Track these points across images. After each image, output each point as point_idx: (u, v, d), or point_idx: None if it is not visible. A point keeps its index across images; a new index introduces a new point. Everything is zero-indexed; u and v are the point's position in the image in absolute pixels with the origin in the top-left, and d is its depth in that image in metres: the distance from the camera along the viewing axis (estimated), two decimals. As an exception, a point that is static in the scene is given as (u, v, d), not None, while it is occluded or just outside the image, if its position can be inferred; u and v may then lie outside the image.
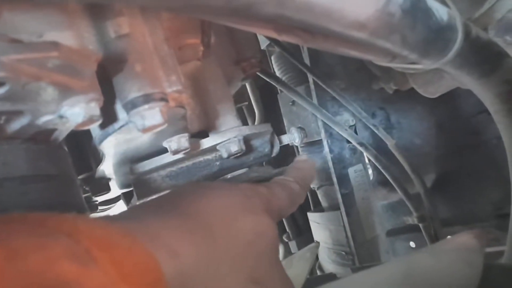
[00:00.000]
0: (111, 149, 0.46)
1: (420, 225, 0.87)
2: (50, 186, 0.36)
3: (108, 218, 0.28)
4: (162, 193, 0.36)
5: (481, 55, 0.42)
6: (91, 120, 0.34)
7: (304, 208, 1.08)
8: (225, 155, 0.55)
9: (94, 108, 0.34)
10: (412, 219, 0.88)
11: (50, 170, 0.36)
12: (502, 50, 0.44)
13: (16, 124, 0.33)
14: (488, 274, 0.34)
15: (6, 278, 0.17)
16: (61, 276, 0.18)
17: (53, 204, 0.37)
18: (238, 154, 0.56)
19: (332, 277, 0.70)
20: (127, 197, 0.63)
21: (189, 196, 0.32)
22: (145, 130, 0.36)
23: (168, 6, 0.24)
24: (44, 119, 0.34)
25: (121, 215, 0.29)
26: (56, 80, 0.30)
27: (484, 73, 0.44)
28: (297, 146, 1.06)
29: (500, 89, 0.45)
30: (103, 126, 0.39)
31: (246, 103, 0.98)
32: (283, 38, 0.33)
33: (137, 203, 0.31)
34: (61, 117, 0.34)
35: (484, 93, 0.47)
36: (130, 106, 0.35)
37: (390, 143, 0.86)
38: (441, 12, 0.37)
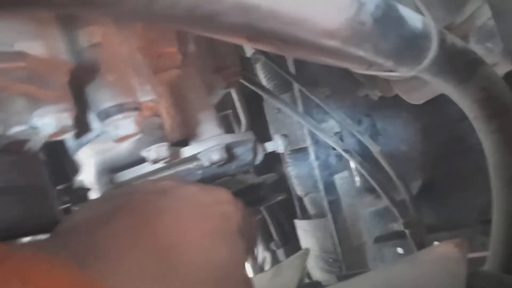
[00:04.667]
0: (88, 159, 0.45)
1: (407, 231, 0.87)
2: (22, 198, 0.35)
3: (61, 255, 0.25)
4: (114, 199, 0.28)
5: (457, 63, 0.42)
6: (63, 130, 0.33)
7: (291, 216, 1.08)
8: (206, 163, 0.55)
9: (66, 119, 0.33)
10: (398, 226, 0.88)
11: (23, 182, 0.36)
12: (478, 57, 0.45)
13: (-14, 135, 0.33)
14: (472, 282, 0.34)
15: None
16: None
17: (25, 217, 0.36)
18: (220, 163, 0.55)
19: (317, 285, 0.70)
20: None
21: (150, 212, 0.27)
22: (119, 140, 0.36)
23: (133, 17, 0.24)
24: (15, 130, 0.33)
25: (74, 246, 0.24)
26: (24, 90, 0.30)
27: (460, 80, 0.44)
28: (283, 154, 1.06)
29: (477, 96, 0.45)
30: (78, 136, 0.39)
31: (231, 110, 0.98)
32: (257, 46, 0.33)
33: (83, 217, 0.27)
34: (32, 128, 0.34)
35: (462, 100, 0.47)
36: (103, 115, 0.34)
37: (375, 149, 0.86)
38: (415, 20, 0.37)
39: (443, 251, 0.37)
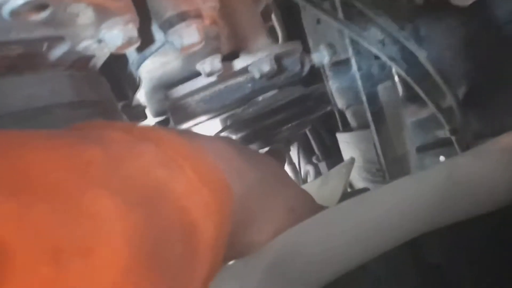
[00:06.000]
0: (147, 74, 0.46)
1: (452, 137, 0.86)
2: (96, 112, 0.37)
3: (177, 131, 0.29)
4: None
5: None
6: (129, 42, 0.34)
7: (332, 129, 1.09)
8: (257, 75, 0.55)
9: (132, 30, 0.33)
10: (444, 133, 0.87)
11: (94, 97, 0.37)
12: None
13: (58, 51, 0.33)
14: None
15: (111, 181, 0.18)
16: (156, 181, 0.20)
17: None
18: (270, 74, 0.55)
19: (365, 190, 0.72)
20: (162, 124, 0.64)
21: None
22: (183, 49, 0.36)
23: None
24: (84, 44, 0.34)
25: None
26: (93, 1, 0.30)
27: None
28: (323, 67, 1.04)
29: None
30: (140, 48, 0.39)
31: (271, 23, 0.95)
32: None
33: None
34: (99, 41, 0.34)
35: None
36: (167, 25, 0.34)
37: (421, 55, 0.83)
38: None
39: (507, 141, 0.35)
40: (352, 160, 0.82)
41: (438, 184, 0.31)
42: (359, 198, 0.32)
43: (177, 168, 0.22)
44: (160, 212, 0.20)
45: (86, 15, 0.32)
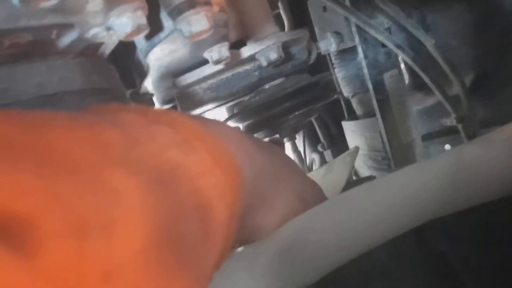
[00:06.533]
0: (156, 61, 0.46)
1: (459, 126, 0.86)
2: (105, 99, 0.37)
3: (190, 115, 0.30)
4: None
5: None
6: (138, 29, 0.34)
7: (337, 117, 1.08)
8: (264, 63, 0.55)
9: (141, 17, 0.33)
10: (450, 121, 0.87)
11: (104, 84, 0.37)
12: None
13: (67, 38, 0.33)
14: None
15: (129, 161, 0.19)
16: (172, 162, 0.21)
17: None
18: (277, 62, 0.55)
19: (372, 179, 0.72)
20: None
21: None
22: (192, 37, 0.36)
23: None
24: (93, 32, 0.34)
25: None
26: (103, -13, 0.30)
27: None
28: (329, 55, 1.03)
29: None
30: (149, 36, 0.39)
31: (277, 11, 0.95)
32: None
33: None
34: (108, 29, 0.34)
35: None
36: (176, 12, 0.34)
37: (429, 43, 0.82)
38: None
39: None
40: (357, 149, 0.82)
41: (445, 172, 0.31)
42: (367, 185, 0.32)
43: (191, 149, 0.22)
44: (176, 192, 0.20)
45: (95, 2, 0.32)
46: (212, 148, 0.24)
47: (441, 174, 0.31)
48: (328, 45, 0.63)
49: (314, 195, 0.36)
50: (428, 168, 0.32)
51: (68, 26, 0.32)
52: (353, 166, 0.82)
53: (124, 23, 0.33)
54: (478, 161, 0.32)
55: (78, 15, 0.32)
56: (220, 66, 0.52)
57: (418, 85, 1.02)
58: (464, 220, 0.32)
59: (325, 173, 0.76)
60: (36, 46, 0.31)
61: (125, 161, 0.18)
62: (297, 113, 0.62)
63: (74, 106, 0.34)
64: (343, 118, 1.10)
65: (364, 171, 1.04)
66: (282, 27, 1.06)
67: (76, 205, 0.15)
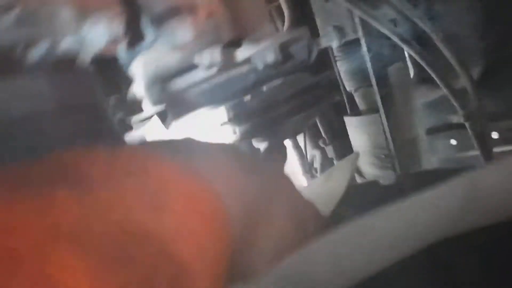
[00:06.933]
0: (140, 69, 0.43)
1: (466, 124, 0.82)
2: (82, 118, 0.34)
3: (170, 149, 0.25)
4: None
5: None
6: (115, 41, 0.30)
7: (340, 112, 1.05)
8: (260, 66, 0.51)
9: (117, 27, 0.30)
10: (457, 118, 0.83)
11: (81, 100, 0.34)
12: None
13: (35, 53, 0.30)
14: None
15: (84, 237, 0.15)
16: (139, 228, 0.18)
17: (89, 134, 0.35)
18: (275, 64, 0.52)
19: (375, 184, 0.69)
20: (161, 116, 0.61)
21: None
22: (175, 47, 0.32)
23: None
24: (64, 45, 0.30)
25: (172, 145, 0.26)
26: (71, -3, 0.26)
27: None
28: (331, 48, 0.99)
29: None
30: (130, 45, 0.35)
31: (278, 3, 0.90)
32: None
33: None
34: (82, 40, 0.30)
35: None
36: (158, 21, 0.30)
37: (436, 35, 0.78)
38: None
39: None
40: (357, 155, 0.80)
41: (460, 198, 0.30)
42: (373, 214, 0.30)
43: (164, 204, 0.19)
44: (141, 267, 0.17)
45: (65, 11, 0.28)
46: (192, 196, 0.21)
47: (456, 199, 0.29)
48: (330, 40, 0.60)
49: (310, 216, 0.34)
50: (443, 194, 0.30)
51: (35, 40, 0.28)
52: (353, 172, 0.79)
53: (99, 34, 0.29)
54: (495, 185, 0.30)
55: (46, 26, 0.28)
56: (212, 70, 0.48)
57: (423, 78, 0.98)
58: (475, 236, 0.31)
59: (325, 181, 0.73)
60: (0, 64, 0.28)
61: (77, 239, 0.15)
62: (298, 116, 0.59)
63: (46, 128, 0.30)
64: (345, 113, 1.06)
65: (366, 169, 1.01)
66: (282, 19, 1.01)
67: None
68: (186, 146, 0.28)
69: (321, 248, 0.29)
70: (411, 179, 0.57)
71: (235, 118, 0.57)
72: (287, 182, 0.35)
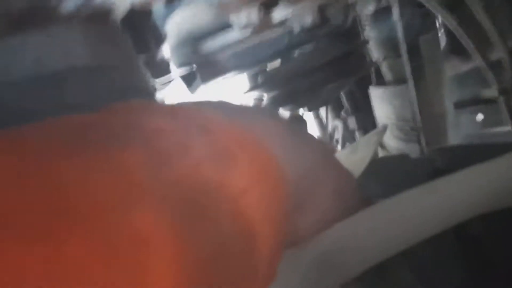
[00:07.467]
0: (175, 26, 0.40)
1: (500, 97, 0.79)
2: (115, 78, 0.32)
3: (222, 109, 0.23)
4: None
5: None
6: (156, -8, 0.28)
7: (363, 83, 1.01)
8: (297, 28, 0.48)
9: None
10: (490, 91, 0.80)
11: (114, 59, 0.32)
12: None
13: (70, 2, 0.28)
14: None
15: (157, 189, 0.15)
16: (209, 181, 0.17)
17: (124, 91, 0.33)
18: (311, 27, 0.49)
19: (405, 158, 0.67)
20: (187, 79, 0.59)
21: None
22: (213, 3, 0.30)
23: None
24: (101, -5, 0.28)
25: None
26: None
27: None
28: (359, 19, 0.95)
29: None
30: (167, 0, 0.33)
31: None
32: None
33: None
34: (120, -9, 0.28)
35: None
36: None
37: (473, 3, 0.74)
38: None
39: None
40: (384, 128, 0.77)
41: (505, 177, 0.29)
42: (410, 193, 0.29)
43: (231, 160, 0.19)
44: (215, 220, 0.17)
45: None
46: (255, 156, 0.20)
47: (495, 179, 0.29)
48: (365, 6, 0.56)
49: (350, 189, 0.33)
50: (481, 174, 0.30)
51: (70, -12, 0.26)
52: (378, 145, 0.77)
53: (140, -15, 0.27)
54: None
55: (83, -26, 0.26)
56: (246, 32, 0.45)
57: (455, 49, 0.94)
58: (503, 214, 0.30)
59: (349, 154, 0.71)
60: (31, 14, 0.26)
61: (151, 192, 0.14)
62: (329, 86, 0.56)
63: (79, 88, 0.28)
64: (369, 83, 1.02)
65: (390, 141, 0.99)
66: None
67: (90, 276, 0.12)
68: (234, 110, 0.26)
69: (360, 222, 0.29)
70: (443, 154, 0.55)
71: (264, 85, 0.54)
72: (328, 151, 0.34)
